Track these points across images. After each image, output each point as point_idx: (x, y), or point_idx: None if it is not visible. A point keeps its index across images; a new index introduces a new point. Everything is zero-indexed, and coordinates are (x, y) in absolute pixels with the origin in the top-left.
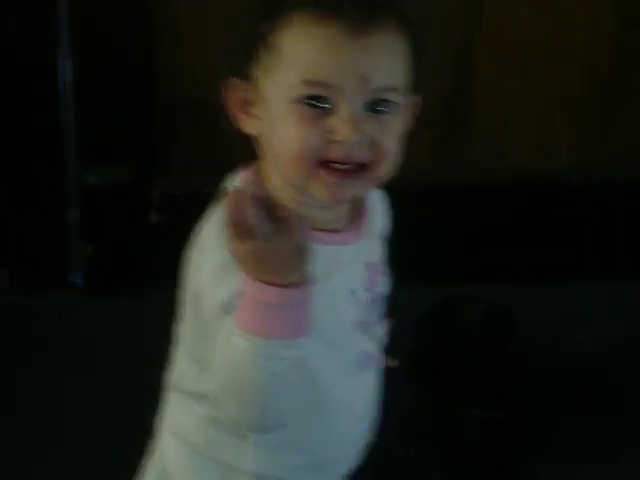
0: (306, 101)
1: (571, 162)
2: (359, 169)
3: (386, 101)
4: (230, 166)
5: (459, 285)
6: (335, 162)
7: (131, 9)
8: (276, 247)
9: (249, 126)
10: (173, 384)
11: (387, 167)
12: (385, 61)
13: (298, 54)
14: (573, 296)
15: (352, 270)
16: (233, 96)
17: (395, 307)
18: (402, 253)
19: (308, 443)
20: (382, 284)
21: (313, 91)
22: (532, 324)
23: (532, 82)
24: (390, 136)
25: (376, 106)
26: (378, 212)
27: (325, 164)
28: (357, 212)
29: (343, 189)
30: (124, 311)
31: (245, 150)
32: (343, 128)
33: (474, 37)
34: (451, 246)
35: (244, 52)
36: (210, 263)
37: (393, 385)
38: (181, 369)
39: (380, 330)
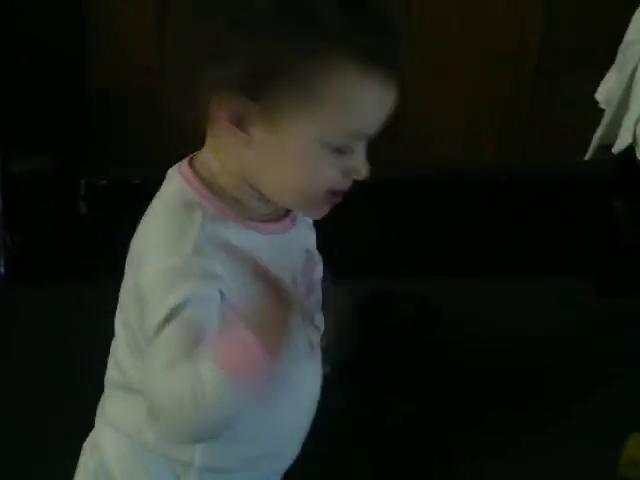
0: (338, 147)
1: (498, 160)
2: None
3: None
4: (159, 157)
5: (389, 279)
6: (339, 192)
7: None
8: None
9: (236, 141)
10: (116, 379)
11: None
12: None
13: (348, 104)
14: (498, 290)
15: (293, 257)
16: (227, 108)
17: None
18: (334, 247)
19: (259, 435)
20: (318, 270)
21: (352, 141)
22: (457, 317)
23: (461, 81)
24: None
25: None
26: None
27: (332, 194)
28: None
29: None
30: (50, 300)
31: (173, 141)
32: (363, 170)
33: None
34: (382, 240)
35: (250, 71)
36: (160, 264)
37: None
38: (125, 364)
39: (319, 317)
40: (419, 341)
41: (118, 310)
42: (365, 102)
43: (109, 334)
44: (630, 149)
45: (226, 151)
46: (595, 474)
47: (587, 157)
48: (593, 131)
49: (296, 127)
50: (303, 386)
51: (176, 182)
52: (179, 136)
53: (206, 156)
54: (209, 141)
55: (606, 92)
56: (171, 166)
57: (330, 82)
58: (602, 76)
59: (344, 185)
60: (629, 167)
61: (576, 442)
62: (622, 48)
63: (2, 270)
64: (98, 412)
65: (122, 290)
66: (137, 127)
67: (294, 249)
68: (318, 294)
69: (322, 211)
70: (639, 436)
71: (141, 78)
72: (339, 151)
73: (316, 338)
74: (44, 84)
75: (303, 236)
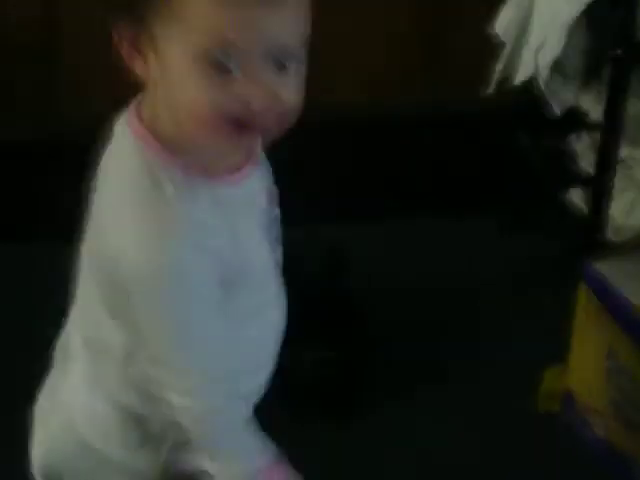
0: (212, 61)
1: (401, 99)
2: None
3: (290, 54)
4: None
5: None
6: (238, 119)
7: None
8: None
9: (138, 67)
10: (87, 338)
11: (290, 118)
12: (290, 18)
13: (202, 10)
14: (403, 232)
15: (258, 200)
16: (123, 35)
17: None
18: None
19: (237, 349)
20: (276, 207)
21: (219, 51)
22: (363, 261)
23: (357, 19)
24: (295, 90)
25: (281, 62)
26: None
27: (232, 121)
28: None
29: (249, 142)
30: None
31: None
32: (253, 96)
33: None
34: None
35: None
36: (136, 227)
37: None
38: (98, 326)
39: (278, 250)
40: (327, 287)
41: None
42: (221, 5)
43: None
44: (531, 80)
45: (151, 90)
46: (513, 408)
47: (488, 91)
48: (492, 65)
49: (171, 42)
50: (270, 306)
51: (131, 145)
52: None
53: (147, 102)
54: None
55: (504, 24)
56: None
57: None
58: (498, 9)
59: (243, 115)
60: (530, 99)
61: (493, 378)
62: None
63: None
64: (58, 368)
65: (87, 249)
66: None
67: (258, 191)
68: (277, 228)
69: (233, 143)
70: (555, 370)
71: (31, 32)
72: (219, 69)
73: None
74: None
75: (264, 175)
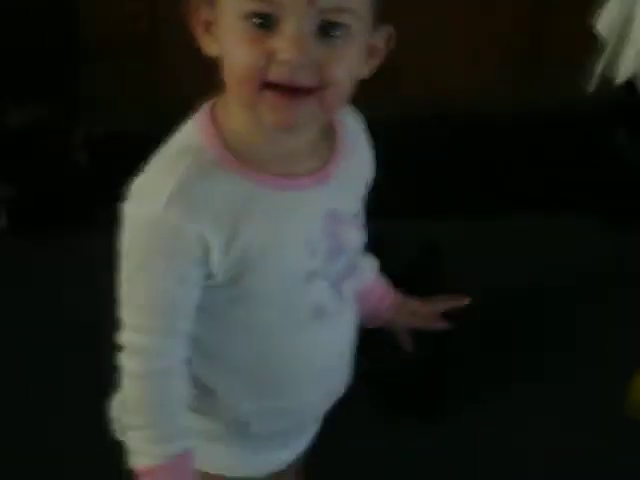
0: (252, 19)
1: (500, 97)
2: (304, 93)
3: (338, 25)
4: (155, 105)
5: (388, 220)
6: (280, 84)
7: None
8: None
9: (209, 48)
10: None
11: (336, 95)
12: None
13: None
14: (501, 230)
15: (309, 217)
16: (196, 17)
17: None
18: None
19: (265, 390)
20: (351, 235)
21: (257, 6)
22: (462, 258)
23: (459, 18)
24: (340, 63)
25: (327, 30)
26: (363, 157)
27: (270, 86)
28: (330, 154)
29: (289, 112)
30: (50, 252)
31: (172, 89)
32: (286, 48)
33: None
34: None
35: None
36: (132, 210)
37: None
38: None
39: (344, 283)
40: (421, 283)
41: None
42: None
43: (109, 284)
44: (632, 80)
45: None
46: (602, 416)
47: (589, 90)
48: (594, 64)
49: (224, 6)
50: (313, 345)
51: (190, 122)
52: (175, 83)
53: (228, 101)
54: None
55: (607, 24)
56: (167, 114)
57: None
58: (601, 6)
59: (275, 73)
60: (632, 98)
61: (586, 381)
62: None
63: (4, 223)
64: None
65: None
66: (133, 74)
67: (311, 208)
68: (349, 259)
69: (271, 112)
70: None
71: (134, 24)
72: (263, 25)
73: (336, 304)
74: (36, 34)
75: (333, 197)
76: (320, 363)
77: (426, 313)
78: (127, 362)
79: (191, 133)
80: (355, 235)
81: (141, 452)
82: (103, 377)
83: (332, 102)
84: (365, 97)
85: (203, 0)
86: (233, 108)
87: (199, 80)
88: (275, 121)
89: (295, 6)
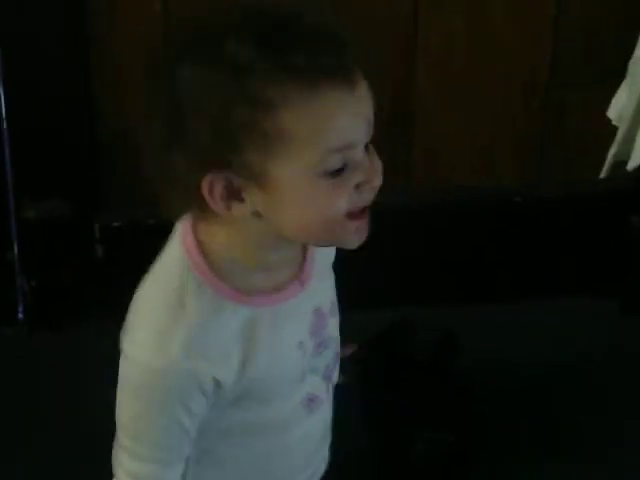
0: (334, 170)
1: (514, 182)
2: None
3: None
4: None
5: (406, 308)
6: (362, 209)
7: (69, 39)
8: None
9: (236, 210)
10: None
11: None
12: (369, 99)
13: (314, 129)
14: (519, 315)
15: (298, 320)
16: (217, 189)
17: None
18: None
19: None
20: (333, 325)
21: (339, 160)
22: (477, 346)
23: (473, 106)
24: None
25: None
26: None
27: (353, 214)
28: (301, 257)
29: (367, 227)
30: (68, 345)
31: None
32: (373, 177)
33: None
34: (398, 269)
35: (215, 141)
36: (144, 358)
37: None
38: None
39: (334, 372)
40: (440, 371)
41: None
42: (330, 118)
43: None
44: None
45: (232, 226)
46: None
47: (602, 175)
48: (607, 149)
49: (283, 174)
50: (309, 433)
51: (178, 254)
52: None
53: (212, 228)
54: (211, 220)
55: (618, 109)
56: None
57: (282, 119)
58: (612, 93)
59: (362, 201)
60: None
61: (607, 462)
62: (632, 64)
63: (21, 316)
64: None
65: None
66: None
67: (301, 311)
68: (334, 349)
69: (356, 236)
70: None
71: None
72: (338, 171)
73: (326, 393)
74: (54, 130)
75: (314, 294)
76: (310, 448)
77: None
78: None
79: (183, 265)
80: (336, 323)
81: None
82: None
83: None
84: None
85: (217, 172)
86: (226, 242)
87: None
88: (360, 240)
89: (364, 138)
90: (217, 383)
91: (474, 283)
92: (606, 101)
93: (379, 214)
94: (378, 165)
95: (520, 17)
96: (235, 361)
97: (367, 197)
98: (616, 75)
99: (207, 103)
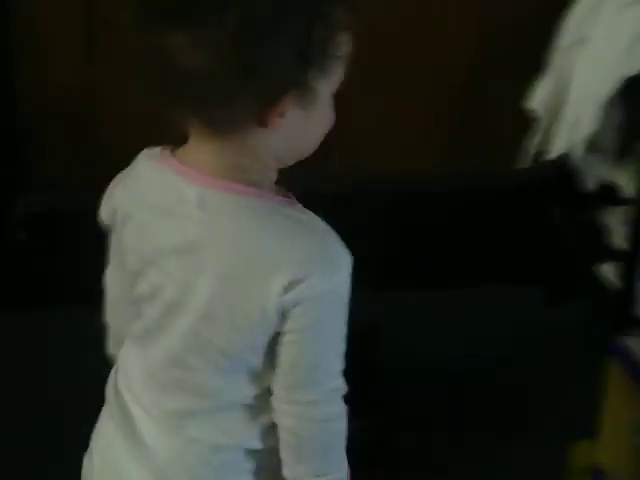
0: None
1: (435, 172)
2: None
3: None
4: (93, 182)
5: None
6: None
7: None
8: None
9: (278, 127)
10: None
11: None
12: None
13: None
14: (440, 303)
15: None
16: (287, 104)
17: None
18: None
19: None
20: None
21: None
22: (400, 332)
23: (395, 93)
24: None
25: None
26: None
27: None
28: None
29: None
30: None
31: (108, 164)
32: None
33: None
34: None
35: (299, 61)
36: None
37: None
38: (214, 387)
39: None
40: (362, 359)
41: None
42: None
43: (49, 361)
44: (565, 155)
45: (255, 147)
46: None
47: (523, 165)
48: (528, 139)
49: (324, 90)
50: None
51: (249, 201)
52: (113, 158)
53: (237, 161)
54: (226, 145)
55: (539, 99)
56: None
57: (342, 39)
58: (533, 84)
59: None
60: (565, 173)
61: (523, 451)
62: (553, 55)
63: None
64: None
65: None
66: (72, 152)
67: None
68: None
69: None
70: (586, 444)
71: (73, 101)
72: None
73: None
74: None
75: None
76: None
77: None
78: (339, 405)
79: (252, 203)
80: None
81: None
82: None
83: None
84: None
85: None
86: (251, 167)
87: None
88: None
89: None
90: None
91: (397, 271)
92: (527, 92)
93: (298, 200)
94: None
95: (445, 5)
96: None
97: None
98: (537, 66)
99: (289, 24)
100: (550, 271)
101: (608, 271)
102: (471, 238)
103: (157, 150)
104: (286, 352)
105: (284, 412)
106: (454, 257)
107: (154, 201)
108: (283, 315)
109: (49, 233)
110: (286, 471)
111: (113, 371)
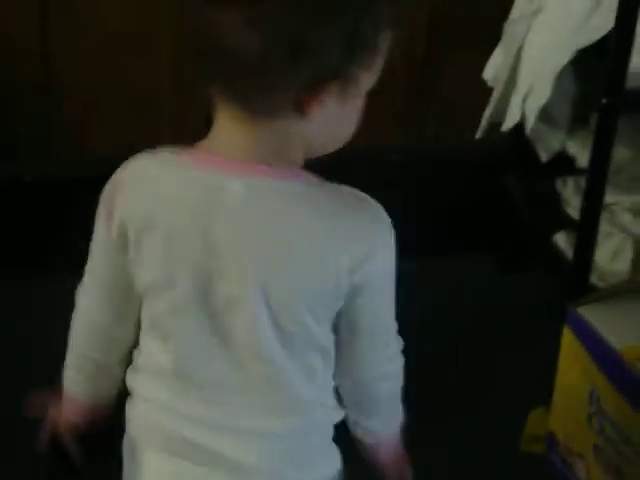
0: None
1: (391, 142)
2: None
3: None
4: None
5: None
6: None
7: None
8: None
9: (314, 111)
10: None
11: None
12: None
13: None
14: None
15: None
16: (324, 93)
17: None
18: None
19: None
20: None
21: None
22: None
23: None
24: None
25: None
26: None
27: None
28: None
29: None
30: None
31: (64, 135)
32: None
33: None
34: None
35: (347, 50)
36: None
37: None
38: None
39: None
40: None
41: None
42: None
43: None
44: (519, 126)
45: (290, 135)
46: (498, 450)
47: (477, 136)
48: (482, 110)
49: (364, 83)
50: None
51: (297, 186)
52: (71, 130)
53: (271, 149)
54: (261, 132)
55: (494, 70)
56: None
57: (385, 37)
58: (488, 55)
59: None
60: (519, 144)
61: (479, 418)
62: (507, 26)
63: None
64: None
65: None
66: (28, 121)
67: None
68: None
69: None
70: (540, 412)
71: (28, 71)
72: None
73: None
74: None
75: None
76: None
77: None
78: (400, 362)
79: (310, 183)
80: None
81: None
82: None
83: None
84: None
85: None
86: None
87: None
88: None
89: None
90: None
91: None
92: (482, 62)
93: None
94: None
95: None
96: None
97: None
98: (492, 36)
99: (340, 17)
100: (505, 241)
101: (562, 240)
102: (427, 208)
103: (165, 151)
104: (363, 319)
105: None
106: (409, 227)
107: (190, 202)
108: (354, 289)
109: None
110: (357, 428)
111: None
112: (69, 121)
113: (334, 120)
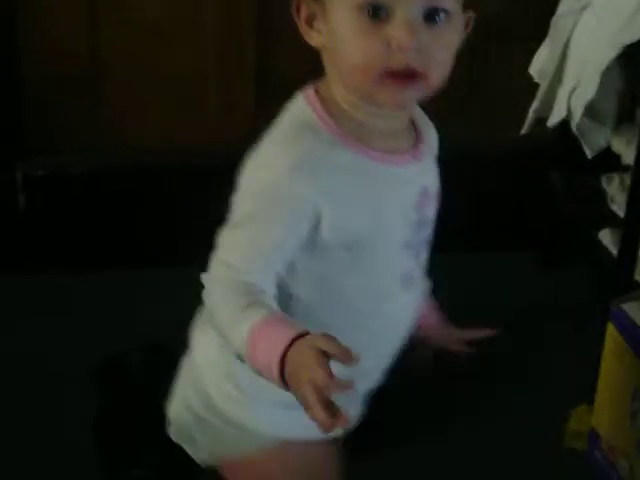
0: (366, 10)
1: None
2: (416, 76)
3: (441, 10)
4: (95, 146)
5: None
6: (398, 71)
7: None
8: None
9: (314, 39)
10: None
11: (440, 77)
12: None
13: None
14: (434, 267)
15: (406, 191)
16: (302, 12)
17: None
18: None
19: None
20: (431, 208)
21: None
22: None
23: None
24: (444, 47)
25: (432, 15)
26: (432, 135)
27: (387, 73)
28: (415, 135)
29: (404, 95)
30: None
31: (112, 127)
32: (401, 35)
33: None
34: None
35: None
36: (253, 173)
37: None
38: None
39: (425, 253)
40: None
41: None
42: None
43: (54, 326)
44: (565, 122)
45: (325, 62)
46: (541, 445)
47: (523, 131)
48: (528, 105)
49: (336, 7)
50: (399, 312)
51: (298, 102)
52: (117, 121)
53: (326, 82)
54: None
55: (540, 65)
56: (109, 153)
57: None
58: (535, 50)
59: (396, 62)
60: (565, 140)
61: (522, 415)
62: (554, 21)
63: None
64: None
65: None
66: (73, 115)
67: (409, 183)
68: (428, 231)
69: (391, 98)
70: (583, 409)
71: (74, 64)
72: (376, 15)
73: (417, 272)
74: None
75: (423, 173)
76: (400, 330)
77: (459, 337)
78: None
79: (305, 112)
80: (434, 211)
81: None
82: None
83: (436, 83)
84: None
85: None
86: (339, 91)
87: (141, 123)
88: (393, 104)
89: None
90: (317, 217)
91: None
92: (528, 57)
93: None
94: (410, 31)
95: None
96: (339, 201)
97: (399, 58)
98: (539, 32)
99: None
100: (549, 237)
101: (607, 237)
102: (470, 204)
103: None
104: None
105: None
106: (452, 223)
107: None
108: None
109: (50, 198)
110: None
111: None
112: (114, 114)
113: (332, 43)
